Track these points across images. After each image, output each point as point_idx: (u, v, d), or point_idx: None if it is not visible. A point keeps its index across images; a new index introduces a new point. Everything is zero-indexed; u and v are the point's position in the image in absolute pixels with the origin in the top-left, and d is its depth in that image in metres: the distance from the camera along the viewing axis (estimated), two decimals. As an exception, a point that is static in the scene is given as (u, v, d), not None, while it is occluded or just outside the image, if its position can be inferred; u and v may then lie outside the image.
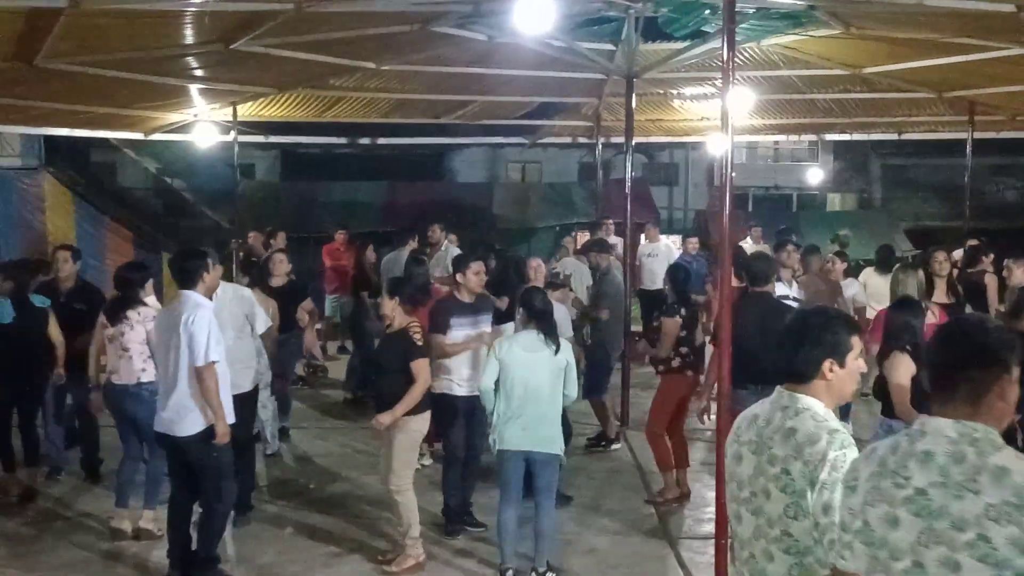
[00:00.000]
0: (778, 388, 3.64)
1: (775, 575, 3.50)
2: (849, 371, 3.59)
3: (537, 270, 9.70)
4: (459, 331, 8.37)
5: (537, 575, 7.33)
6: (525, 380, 7.16)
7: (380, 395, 7.71)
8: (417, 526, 7.64)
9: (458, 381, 8.37)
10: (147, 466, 8.33)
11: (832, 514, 3.28)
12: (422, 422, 7.71)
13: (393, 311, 7.67)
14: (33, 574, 7.59)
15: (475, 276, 8.52)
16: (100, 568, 7.75)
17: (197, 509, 7.43)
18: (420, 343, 7.59)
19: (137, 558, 7.89)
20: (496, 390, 7.25)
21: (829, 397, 3.57)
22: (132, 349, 8.14)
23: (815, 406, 3.52)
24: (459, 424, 8.46)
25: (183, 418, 6.99)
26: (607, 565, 7.82)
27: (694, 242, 16.59)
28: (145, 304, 8.38)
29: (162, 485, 8.24)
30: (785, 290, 9.93)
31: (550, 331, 7.34)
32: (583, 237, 16.32)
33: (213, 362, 6.96)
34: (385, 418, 7.42)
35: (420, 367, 7.51)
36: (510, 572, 7.31)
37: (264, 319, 8.75)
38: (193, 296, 7.09)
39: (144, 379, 8.13)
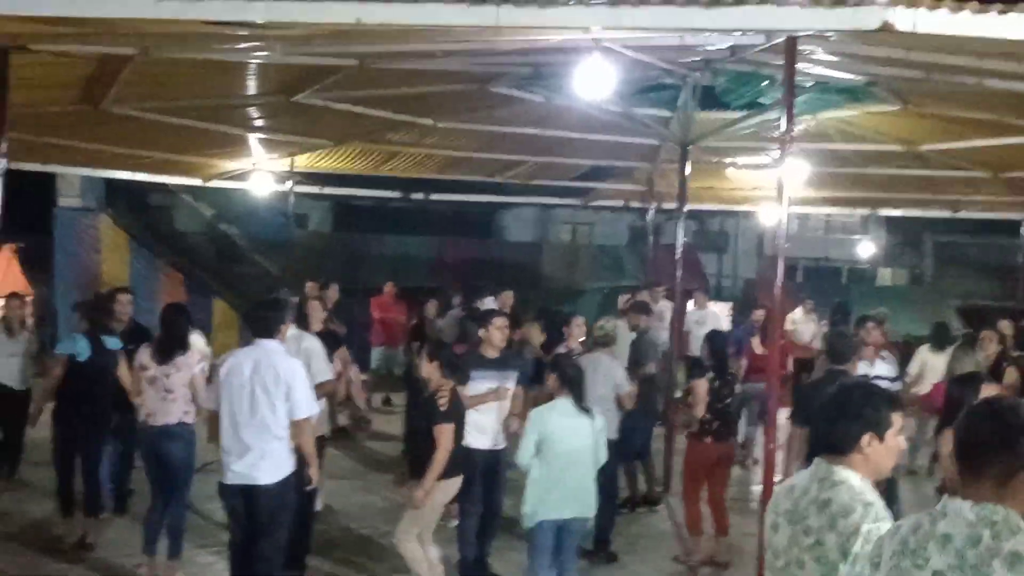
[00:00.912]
0: (816, 459, 3.65)
1: (808, 644, 3.49)
2: (888, 447, 3.58)
3: (580, 327, 9.79)
4: (479, 384, 8.38)
5: None
6: (566, 448, 7.14)
7: (413, 456, 7.76)
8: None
9: (477, 434, 8.32)
10: (170, 515, 8.23)
11: None
12: (445, 489, 7.62)
13: (430, 374, 7.70)
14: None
15: (498, 332, 8.57)
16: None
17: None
18: (444, 408, 7.51)
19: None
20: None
21: (867, 471, 3.56)
22: (177, 391, 8.15)
23: (851, 478, 3.52)
24: (477, 478, 8.40)
25: (268, 466, 6.96)
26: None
27: (761, 313, 16.38)
28: (191, 348, 8.45)
29: (184, 534, 8.29)
30: (867, 369, 9.79)
31: (582, 397, 7.34)
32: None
33: (315, 414, 7.10)
34: (419, 494, 7.40)
35: (441, 432, 7.42)
36: None
37: (324, 369, 8.71)
38: (275, 346, 7.12)
39: (186, 420, 8.19)
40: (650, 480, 11.27)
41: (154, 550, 8.23)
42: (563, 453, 7.11)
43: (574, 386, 7.29)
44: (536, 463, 7.11)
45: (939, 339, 12.63)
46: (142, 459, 8.56)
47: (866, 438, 3.54)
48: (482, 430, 8.37)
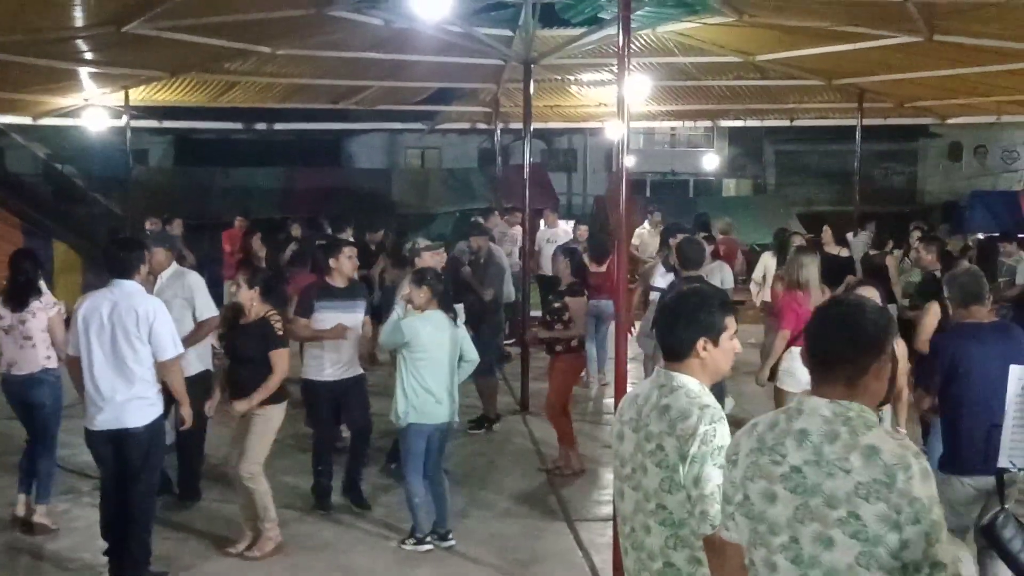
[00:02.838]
0: (657, 367, 3.74)
1: (653, 547, 3.59)
2: (723, 350, 3.66)
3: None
4: (326, 314, 8.38)
5: (439, 536, 7.71)
6: (436, 357, 7.49)
7: (237, 383, 7.63)
8: (273, 509, 7.65)
9: (327, 366, 8.40)
10: (40, 460, 8.09)
11: (702, 486, 3.38)
12: (281, 411, 7.71)
13: (249, 300, 7.63)
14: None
15: (348, 260, 8.58)
16: (6, 560, 7.58)
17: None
18: (280, 332, 7.58)
19: (36, 550, 7.73)
20: (398, 363, 7.54)
21: (704, 374, 3.64)
22: (36, 337, 7.91)
23: (689, 383, 3.59)
24: (329, 408, 8.56)
25: (135, 409, 6.82)
26: (506, 546, 7.85)
27: (583, 230, 16.76)
28: (44, 292, 8.19)
29: (55, 479, 8.16)
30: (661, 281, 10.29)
31: (450, 307, 7.70)
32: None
33: (180, 354, 6.96)
34: (241, 405, 7.42)
35: (279, 357, 7.50)
36: (428, 539, 7.69)
37: (208, 305, 8.59)
38: (134, 286, 6.92)
39: (49, 366, 7.97)
40: (491, 400, 11.33)
41: (28, 489, 8.11)
42: (432, 362, 7.47)
43: (443, 298, 7.62)
44: (405, 370, 7.45)
45: (783, 245, 13.00)
46: (11, 407, 8.28)
47: (701, 342, 3.61)
48: (335, 361, 8.39)
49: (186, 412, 7.19)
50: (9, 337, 7.98)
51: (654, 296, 10.39)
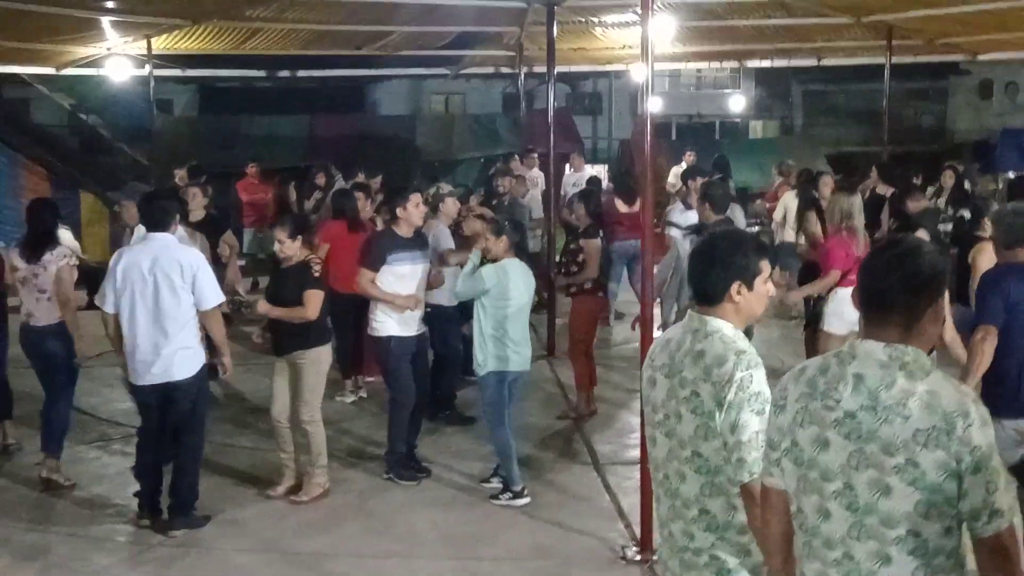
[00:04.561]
0: (690, 311, 3.66)
1: (688, 494, 3.54)
2: (757, 294, 3.58)
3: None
4: (398, 267, 7.99)
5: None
6: (519, 305, 7.59)
7: (276, 327, 7.66)
8: (326, 456, 7.73)
9: (402, 322, 8.03)
10: (50, 412, 8.05)
11: (740, 433, 3.32)
12: (328, 352, 7.82)
13: (296, 250, 7.63)
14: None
15: (416, 208, 8.14)
16: (40, 508, 7.66)
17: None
18: (318, 275, 7.58)
19: (70, 497, 7.81)
20: (477, 312, 7.59)
21: (738, 319, 3.57)
22: (50, 290, 7.84)
23: (724, 328, 3.52)
24: (407, 367, 8.12)
25: (181, 361, 6.94)
26: (533, 491, 7.82)
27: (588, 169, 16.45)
28: (60, 243, 8.14)
29: (66, 432, 8.15)
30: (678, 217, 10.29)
31: (528, 257, 8.02)
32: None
33: (222, 302, 7.15)
34: (264, 306, 7.58)
35: (311, 297, 7.46)
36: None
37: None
38: (170, 238, 7.02)
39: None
40: None
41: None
42: (516, 311, 7.55)
43: (521, 247, 7.84)
44: (485, 318, 7.52)
45: (804, 186, 12.87)
46: (29, 360, 8.26)
47: (735, 286, 3.52)
48: (405, 319, 8.04)
49: (228, 361, 7.34)
50: (26, 288, 7.95)
51: (673, 234, 10.36)
